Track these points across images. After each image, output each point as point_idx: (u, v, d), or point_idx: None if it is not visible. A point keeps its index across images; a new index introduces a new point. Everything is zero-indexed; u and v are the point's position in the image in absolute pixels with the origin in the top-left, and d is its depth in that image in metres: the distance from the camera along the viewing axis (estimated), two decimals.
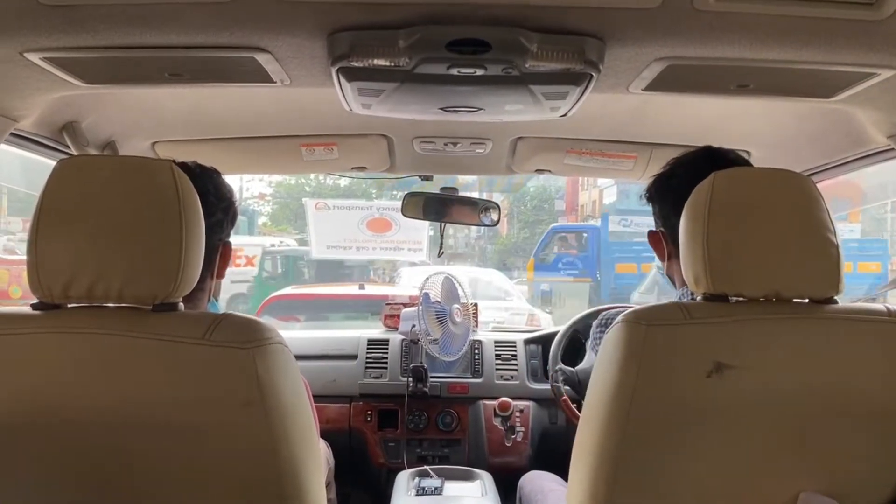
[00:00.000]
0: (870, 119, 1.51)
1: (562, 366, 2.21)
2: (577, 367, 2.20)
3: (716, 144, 1.73)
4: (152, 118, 1.90)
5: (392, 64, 1.20)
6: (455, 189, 2.52)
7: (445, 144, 2.02)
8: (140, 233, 1.02)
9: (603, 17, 1.14)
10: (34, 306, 1.05)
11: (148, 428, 1.01)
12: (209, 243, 1.26)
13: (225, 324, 1.02)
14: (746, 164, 1.48)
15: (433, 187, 2.52)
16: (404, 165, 2.27)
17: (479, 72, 1.22)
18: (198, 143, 2.04)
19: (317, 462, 1.11)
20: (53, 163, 1.69)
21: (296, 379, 1.08)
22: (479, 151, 2.09)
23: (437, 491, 1.93)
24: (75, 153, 1.71)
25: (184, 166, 1.32)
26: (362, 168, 2.32)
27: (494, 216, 2.55)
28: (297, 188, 19.56)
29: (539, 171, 2.32)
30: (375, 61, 1.20)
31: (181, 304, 1.06)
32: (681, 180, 1.40)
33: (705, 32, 1.16)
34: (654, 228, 1.57)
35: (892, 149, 1.57)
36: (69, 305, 1.05)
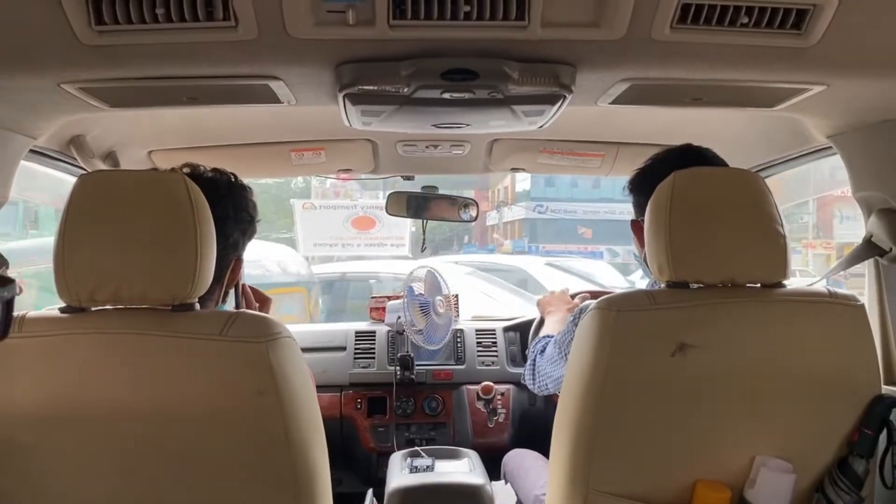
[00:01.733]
0: (810, 122, 1.65)
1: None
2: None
3: (674, 143, 1.88)
4: (149, 129, 1.98)
5: (393, 90, 1.32)
6: (435, 188, 2.62)
7: (427, 147, 2.12)
8: (159, 240, 1.11)
9: (575, 48, 1.26)
10: (62, 310, 1.13)
11: (171, 418, 1.08)
12: (223, 259, 1.36)
13: (239, 321, 1.11)
14: (721, 161, 1.61)
15: (415, 186, 2.63)
16: (388, 167, 2.37)
17: (468, 95, 1.34)
18: (192, 151, 2.11)
19: (323, 446, 1.19)
20: (60, 174, 1.82)
21: (304, 370, 1.17)
22: (458, 153, 2.19)
23: (429, 469, 2.02)
24: (81, 164, 1.79)
25: (214, 180, 1.41)
26: (348, 170, 2.42)
27: (473, 212, 2.66)
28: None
29: (514, 169, 2.44)
30: (378, 88, 1.32)
31: (197, 305, 1.15)
32: (657, 175, 1.54)
33: (662, 58, 1.28)
34: (634, 217, 1.69)
35: (830, 147, 1.71)
36: (94, 308, 1.13)
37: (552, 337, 1.94)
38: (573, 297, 2.43)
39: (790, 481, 1.25)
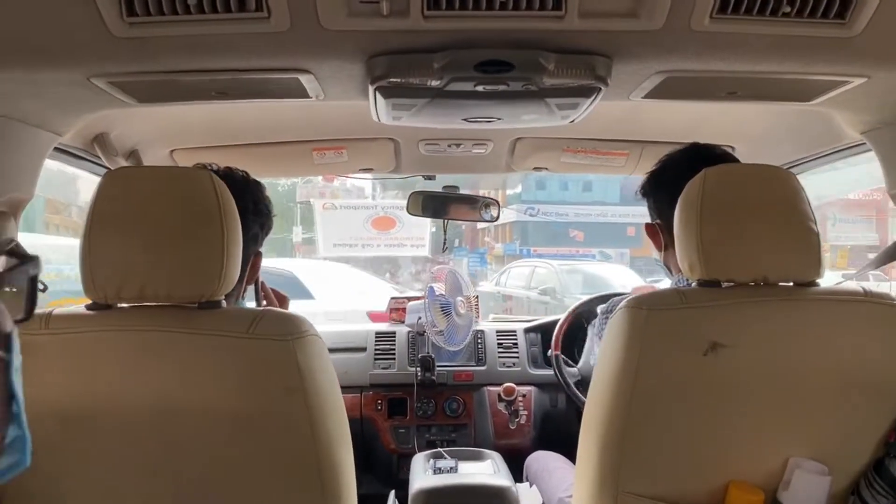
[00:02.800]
0: (844, 118, 1.62)
1: (563, 358, 2.36)
2: (578, 366, 2.33)
3: (702, 141, 1.84)
4: (172, 127, 1.98)
5: (425, 83, 1.31)
6: (456, 187, 2.62)
7: (449, 146, 2.11)
8: (185, 238, 1.10)
9: (612, 38, 1.24)
10: (88, 307, 1.12)
11: (198, 416, 1.07)
12: (245, 253, 1.33)
13: (266, 318, 1.09)
14: (732, 159, 1.59)
15: (436, 185, 2.62)
16: (409, 166, 2.36)
17: (502, 88, 1.32)
18: (214, 150, 2.11)
19: (348, 443, 1.18)
20: (83, 172, 1.82)
21: (330, 367, 1.15)
22: (480, 151, 2.18)
23: (452, 470, 2.00)
24: (105, 162, 1.80)
25: (230, 175, 1.41)
26: (369, 169, 2.41)
27: (494, 212, 2.65)
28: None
29: (537, 168, 2.42)
30: (411, 80, 1.30)
31: (224, 302, 1.14)
32: (671, 175, 1.52)
33: (700, 49, 1.27)
34: (649, 221, 1.67)
35: (864, 143, 1.67)
36: (120, 305, 1.12)
37: None
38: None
39: (826, 483, 1.22)
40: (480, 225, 23.18)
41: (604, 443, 1.23)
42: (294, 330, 1.09)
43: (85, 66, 1.26)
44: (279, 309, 1.39)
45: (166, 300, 1.11)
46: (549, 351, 2.44)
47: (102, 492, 1.10)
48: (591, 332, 2.30)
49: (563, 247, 23.62)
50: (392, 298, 3.02)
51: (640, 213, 1.69)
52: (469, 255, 22.58)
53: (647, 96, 1.50)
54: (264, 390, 1.08)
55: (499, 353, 2.74)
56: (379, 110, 1.47)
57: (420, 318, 2.64)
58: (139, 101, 1.45)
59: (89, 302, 1.13)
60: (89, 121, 1.59)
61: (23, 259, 0.62)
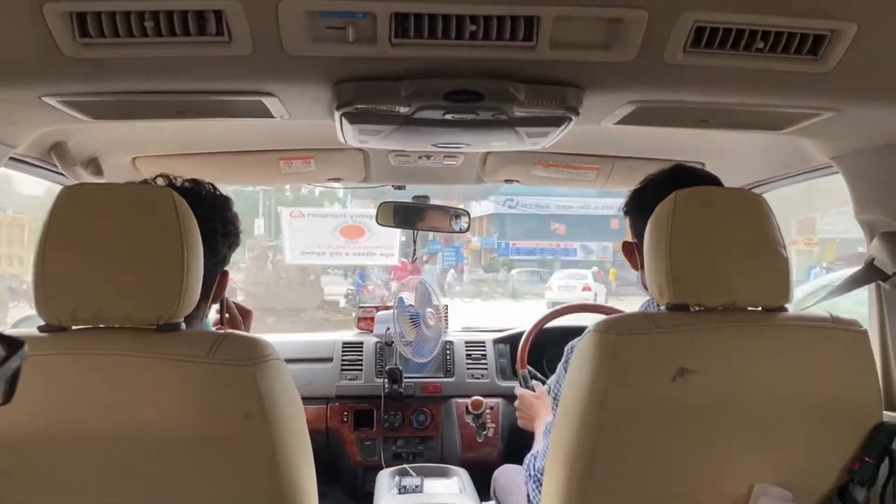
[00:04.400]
0: (814, 144, 1.63)
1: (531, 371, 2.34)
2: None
3: (672, 157, 1.85)
4: (133, 136, 1.92)
5: (393, 110, 1.28)
6: (426, 197, 2.59)
7: (419, 157, 2.08)
8: (144, 258, 1.06)
9: (584, 69, 1.23)
10: (41, 328, 1.08)
11: (155, 443, 1.04)
12: (211, 273, 1.31)
13: (227, 343, 1.06)
14: (715, 181, 1.56)
15: (406, 195, 2.59)
16: (379, 176, 2.33)
17: (472, 117, 1.30)
18: (177, 158, 2.06)
19: (311, 468, 1.16)
20: (40, 180, 1.77)
21: (292, 391, 1.13)
22: (451, 163, 2.16)
23: (417, 489, 1.99)
24: (62, 171, 1.74)
25: (196, 191, 1.35)
26: (338, 179, 2.38)
27: (464, 223, 2.64)
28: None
29: (508, 180, 2.41)
30: (378, 107, 1.28)
31: (183, 324, 1.10)
32: (651, 196, 1.50)
33: (673, 81, 1.26)
34: (628, 240, 1.64)
35: (831, 167, 1.69)
36: (74, 328, 1.08)
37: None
38: (526, 383, 2.30)
39: None
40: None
41: (571, 466, 1.22)
42: (255, 354, 1.06)
43: (36, 86, 1.22)
44: (240, 332, 1.36)
45: (124, 322, 1.07)
46: (518, 369, 2.42)
47: None
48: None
49: (543, 240, 23.41)
50: (360, 307, 2.99)
51: (623, 206, 1.68)
52: (444, 250, 22.32)
53: (618, 123, 1.50)
54: (224, 416, 1.05)
55: (467, 364, 2.72)
56: (346, 134, 1.44)
57: (388, 328, 2.62)
58: (94, 118, 1.41)
59: (42, 324, 1.08)
60: (45, 131, 1.54)
61: (10, 348, 0.63)
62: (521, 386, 2.33)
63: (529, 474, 1.78)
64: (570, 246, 23.53)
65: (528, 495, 1.77)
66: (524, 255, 23.39)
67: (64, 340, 1.07)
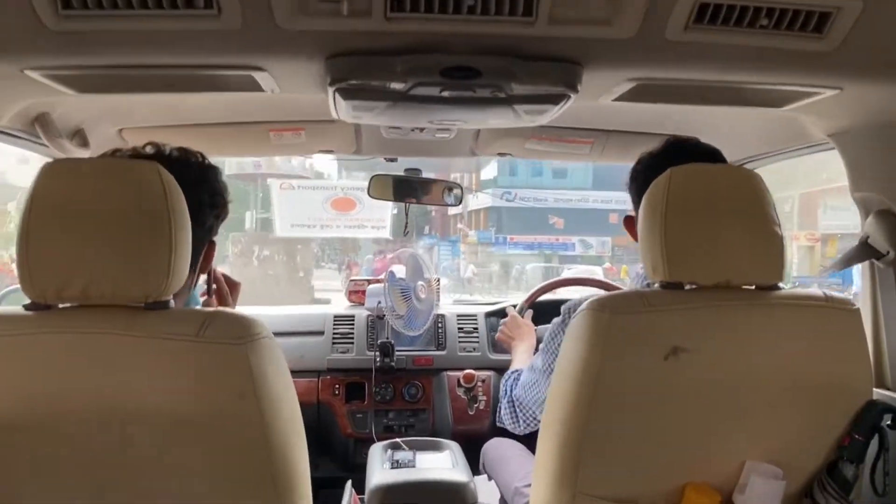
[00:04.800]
0: (812, 121, 1.62)
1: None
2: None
3: (666, 132, 1.83)
4: (120, 106, 1.88)
5: (388, 86, 1.25)
6: (419, 170, 2.56)
7: (412, 130, 2.04)
8: (131, 234, 1.04)
9: (583, 46, 1.21)
10: (27, 307, 1.06)
11: (144, 423, 1.03)
12: (198, 244, 1.29)
13: (217, 321, 1.05)
14: (719, 157, 1.54)
15: (398, 168, 2.56)
16: (370, 148, 2.30)
17: (469, 94, 1.28)
18: (165, 130, 2.01)
19: (303, 447, 1.15)
20: (25, 151, 1.73)
21: (284, 370, 1.12)
22: (444, 136, 2.13)
23: (410, 463, 1.99)
24: (46, 143, 1.70)
25: (184, 160, 1.33)
26: (329, 151, 2.35)
27: (457, 194, 2.61)
28: None
29: (501, 154, 2.39)
30: (372, 83, 1.25)
31: (172, 302, 1.09)
32: (644, 170, 1.50)
33: (673, 59, 1.24)
34: (631, 214, 1.64)
35: (826, 143, 1.68)
36: (61, 306, 1.06)
37: (521, 369, 1.89)
38: (521, 313, 2.39)
39: (780, 487, 1.23)
40: (452, 210, 22.91)
41: (563, 443, 1.23)
42: (246, 333, 1.05)
43: (18, 59, 1.19)
44: (230, 310, 1.34)
45: (111, 300, 1.05)
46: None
47: (50, 501, 1.06)
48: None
49: (541, 234, 23.20)
50: (351, 281, 2.97)
51: (623, 199, 1.67)
52: (439, 243, 22.06)
53: (616, 100, 1.48)
54: (215, 395, 1.04)
55: (459, 337, 2.72)
56: (339, 109, 1.41)
57: (380, 302, 2.60)
58: (80, 91, 1.37)
59: (27, 301, 1.06)
60: (30, 101, 1.50)
61: None
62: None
63: (505, 391, 1.93)
64: (569, 240, 23.35)
65: (501, 409, 1.91)
66: (522, 249, 23.18)
67: (50, 319, 1.05)
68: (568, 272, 19.15)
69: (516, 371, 1.96)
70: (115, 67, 1.24)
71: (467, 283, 19.58)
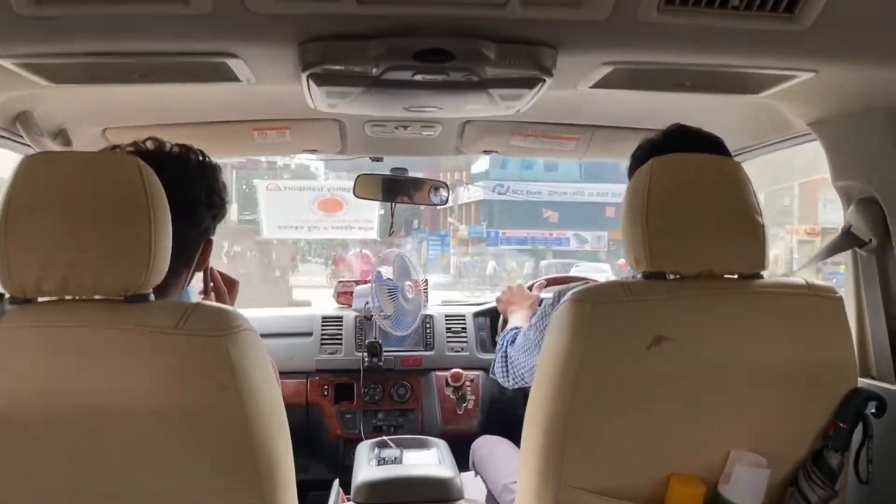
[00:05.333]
0: (791, 109, 1.62)
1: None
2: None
3: (650, 126, 1.83)
4: (103, 105, 1.87)
5: (361, 71, 1.25)
6: (405, 170, 2.56)
7: (396, 128, 2.06)
8: (109, 227, 1.03)
9: (556, 28, 1.20)
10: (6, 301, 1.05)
11: (126, 416, 1.02)
12: (193, 243, 1.29)
13: (197, 313, 1.04)
14: (720, 147, 1.52)
15: (383, 167, 2.56)
16: (355, 147, 2.30)
17: (442, 78, 1.28)
18: (149, 129, 1.97)
19: (287, 440, 1.14)
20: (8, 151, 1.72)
21: (266, 362, 1.11)
22: (429, 134, 2.13)
23: (397, 460, 1.99)
24: (28, 142, 1.69)
25: (183, 157, 1.32)
26: (314, 150, 2.35)
27: (444, 195, 2.62)
28: None
29: (486, 151, 2.39)
30: (345, 68, 1.24)
31: (152, 295, 1.08)
32: (645, 157, 1.51)
33: (647, 41, 1.24)
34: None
35: (810, 134, 1.68)
36: (40, 300, 1.05)
37: (521, 328, 1.89)
38: (530, 288, 2.40)
39: (765, 476, 1.23)
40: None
41: (547, 436, 1.22)
42: (226, 325, 1.04)
43: None
44: (211, 303, 1.33)
45: (90, 294, 1.04)
46: (498, 340, 2.43)
47: (25, 497, 1.04)
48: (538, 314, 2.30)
49: (535, 229, 22.65)
50: (339, 282, 2.97)
51: (619, 193, 1.68)
52: (429, 238, 21.77)
53: (594, 86, 1.47)
54: (195, 388, 1.03)
55: (447, 337, 2.72)
56: (314, 97, 1.41)
57: (367, 302, 2.60)
58: (55, 83, 1.37)
59: (6, 296, 1.05)
60: (8, 98, 1.50)
61: None
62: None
63: (501, 345, 1.95)
64: (564, 235, 23.00)
65: (495, 362, 1.94)
66: (514, 244, 22.76)
67: (29, 313, 1.04)
68: (576, 270, 19.11)
69: (515, 329, 1.95)
70: (88, 55, 1.23)
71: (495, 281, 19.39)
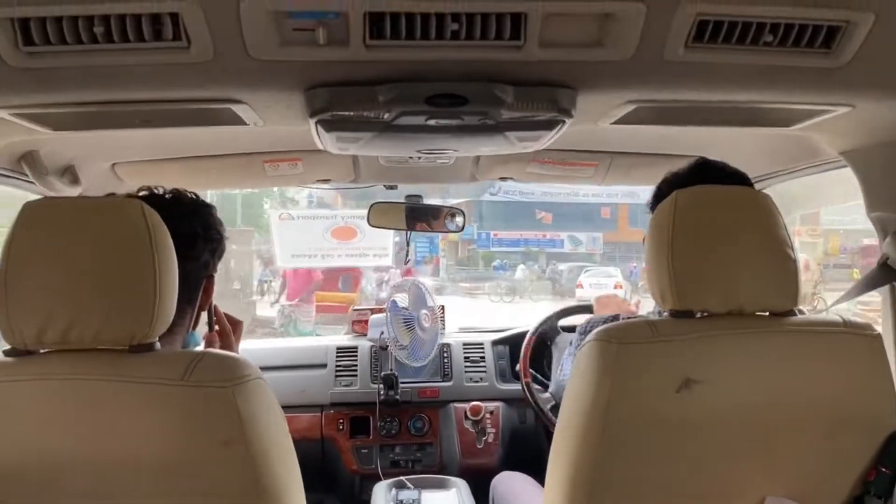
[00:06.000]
0: (824, 139, 1.56)
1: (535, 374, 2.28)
2: (551, 389, 2.26)
3: (672, 152, 1.77)
4: (111, 140, 1.84)
5: (371, 116, 1.21)
6: (419, 197, 2.52)
7: (410, 157, 1.97)
8: (113, 275, 1.00)
9: (576, 69, 1.16)
10: (6, 353, 1.02)
11: (131, 470, 0.99)
12: (194, 280, 1.27)
13: (204, 363, 1.01)
14: (745, 179, 1.48)
15: (398, 195, 2.53)
16: (369, 176, 2.26)
17: (456, 122, 1.24)
18: (158, 164, 1.99)
19: (298, 485, 1.10)
20: (12, 189, 1.69)
21: (276, 412, 1.08)
22: (444, 162, 2.09)
23: (415, 503, 1.95)
24: (34, 181, 1.67)
25: (177, 199, 1.32)
26: (326, 180, 2.31)
27: (459, 222, 2.56)
28: None
29: (503, 178, 2.35)
30: (355, 114, 1.20)
31: (157, 344, 1.05)
32: (669, 191, 1.45)
33: (674, 80, 1.19)
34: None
35: (841, 160, 1.61)
36: (42, 351, 1.02)
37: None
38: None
39: None
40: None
41: (573, 480, 1.17)
42: (233, 375, 1.00)
43: None
44: (218, 351, 1.29)
45: (93, 344, 1.00)
46: (519, 373, 2.36)
47: None
48: (557, 351, 2.23)
49: (527, 230, 22.25)
50: (354, 310, 2.93)
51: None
52: (416, 239, 21.63)
53: (615, 123, 1.43)
54: (202, 442, 0.99)
55: (466, 367, 2.66)
56: (323, 141, 1.37)
57: (383, 332, 2.55)
58: (54, 130, 1.34)
59: (7, 348, 1.02)
60: (10, 141, 1.47)
61: None
62: (526, 397, 2.30)
63: (575, 345, 1.82)
64: (557, 237, 22.65)
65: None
66: (507, 246, 22.43)
67: (31, 365, 1.01)
68: (586, 275, 18.80)
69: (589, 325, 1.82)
70: (86, 104, 1.20)
71: (518, 285, 19.14)
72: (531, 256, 22.13)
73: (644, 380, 1.15)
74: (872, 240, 1.59)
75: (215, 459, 0.98)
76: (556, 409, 2.21)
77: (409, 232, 2.58)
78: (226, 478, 0.99)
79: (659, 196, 1.52)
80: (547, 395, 2.27)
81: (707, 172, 1.46)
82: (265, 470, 1.00)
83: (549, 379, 2.37)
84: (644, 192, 1.72)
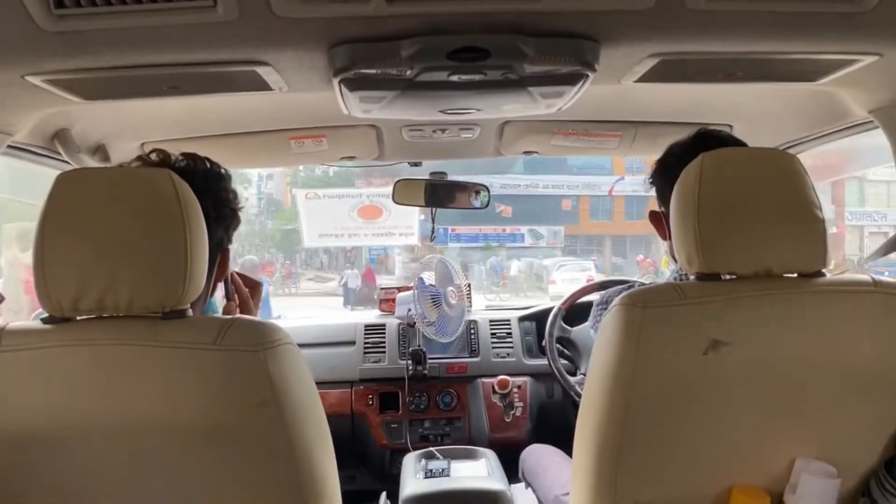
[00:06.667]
0: (851, 96, 1.53)
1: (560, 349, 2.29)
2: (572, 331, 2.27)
3: (698, 121, 1.76)
4: (140, 119, 1.89)
5: (394, 73, 1.22)
6: (444, 174, 2.53)
7: (434, 131, 2.02)
8: (146, 243, 1.03)
9: (598, 20, 1.15)
10: (44, 320, 1.05)
11: (167, 433, 1.01)
12: (210, 254, 1.26)
13: (235, 328, 1.03)
14: (739, 143, 1.50)
15: (422, 172, 2.53)
16: (393, 153, 2.28)
17: (479, 77, 1.24)
18: (186, 142, 2.00)
19: (331, 457, 1.12)
20: (45, 169, 1.74)
21: (307, 377, 1.09)
22: (467, 136, 2.10)
23: (444, 472, 1.96)
24: (67, 159, 1.71)
25: (189, 170, 1.30)
26: (351, 157, 2.32)
27: (484, 198, 2.58)
28: None
29: (527, 152, 2.34)
30: (377, 71, 1.21)
31: (190, 310, 1.07)
32: (676, 161, 1.43)
33: (697, 30, 1.18)
34: (655, 209, 1.60)
35: (871, 121, 1.59)
36: (78, 318, 1.05)
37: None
38: None
39: (835, 486, 1.16)
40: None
41: (600, 447, 1.17)
42: (265, 339, 1.02)
43: (16, 64, 1.18)
44: (248, 317, 1.31)
45: (127, 311, 1.03)
46: (545, 347, 2.37)
47: None
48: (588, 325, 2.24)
49: (486, 224, 21.49)
50: (381, 289, 2.96)
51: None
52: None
53: (639, 80, 1.41)
54: (235, 404, 1.01)
55: (492, 342, 2.68)
56: (347, 103, 1.38)
57: (410, 309, 2.57)
58: (85, 98, 1.37)
59: (45, 315, 1.05)
60: (45, 117, 1.51)
61: None
62: (548, 361, 2.30)
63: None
64: (517, 231, 21.80)
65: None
66: (465, 241, 21.73)
67: (68, 332, 1.04)
68: (559, 271, 18.60)
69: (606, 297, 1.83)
70: (115, 69, 1.23)
71: (512, 283, 19.06)
72: (493, 252, 21.61)
73: (670, 343, 1.14)
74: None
75: (249, 420, 1.01)
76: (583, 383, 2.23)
77: (434, 209, 2.59)
78: (258, 439, 1.01)
79: (664, 168, 1.54)
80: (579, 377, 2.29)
81: (709, 141, 1.46)
82: (297, 434, 1.02)
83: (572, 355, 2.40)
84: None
